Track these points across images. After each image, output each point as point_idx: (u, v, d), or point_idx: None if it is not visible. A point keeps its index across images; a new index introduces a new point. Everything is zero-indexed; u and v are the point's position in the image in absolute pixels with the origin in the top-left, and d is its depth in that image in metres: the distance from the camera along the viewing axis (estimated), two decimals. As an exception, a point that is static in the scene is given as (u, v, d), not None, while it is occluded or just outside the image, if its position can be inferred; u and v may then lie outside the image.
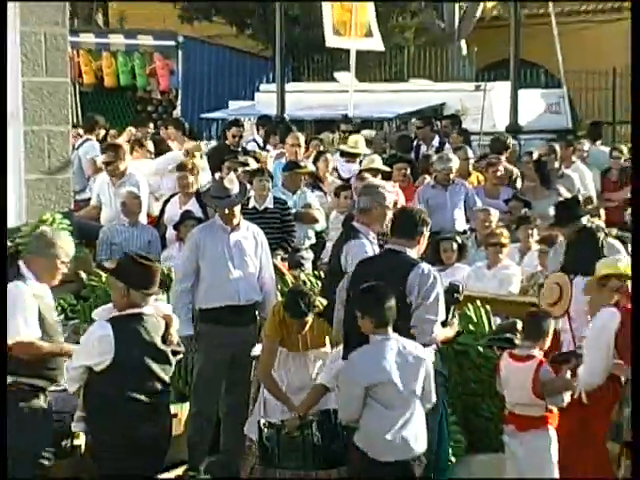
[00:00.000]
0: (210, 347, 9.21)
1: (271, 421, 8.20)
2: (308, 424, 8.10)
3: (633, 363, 6.07)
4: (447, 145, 17.22)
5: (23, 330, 7.77)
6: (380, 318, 7.29)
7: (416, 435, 7.30)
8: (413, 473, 7.30)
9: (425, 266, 7.84)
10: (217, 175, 13.22)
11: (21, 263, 8.03)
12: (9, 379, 7.75)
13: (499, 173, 14.44)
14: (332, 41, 18.36)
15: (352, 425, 7.40)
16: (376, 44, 18.48)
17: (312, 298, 8.39)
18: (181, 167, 13.08)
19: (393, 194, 9.59)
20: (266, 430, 8.11)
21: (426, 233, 8.14)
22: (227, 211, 9.29)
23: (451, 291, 8.20)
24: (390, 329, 7.33)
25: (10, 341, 7.70)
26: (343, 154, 15.97)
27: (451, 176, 13.70)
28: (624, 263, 7.91)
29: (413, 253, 7.98)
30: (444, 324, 7.94)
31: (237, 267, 9.24)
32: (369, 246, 8.71)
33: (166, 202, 13.03)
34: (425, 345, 7.60)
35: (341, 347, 7.83)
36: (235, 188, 9.38)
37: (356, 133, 17.70)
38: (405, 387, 7.25)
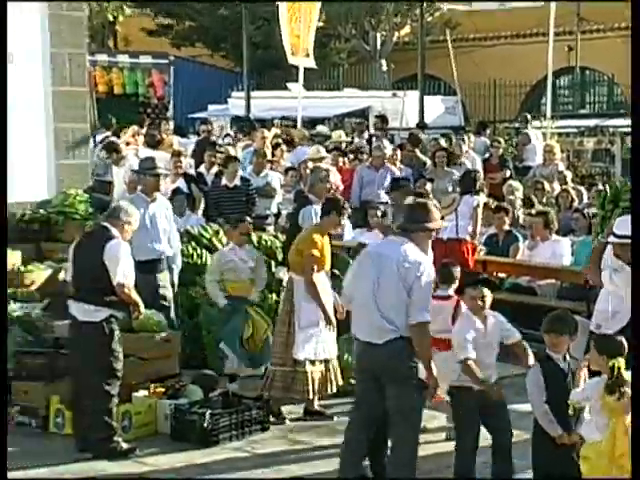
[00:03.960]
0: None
1: None
2: None
3: (633, 363, 5.49)
4: (374, 138, 17.09)
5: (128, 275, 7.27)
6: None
7: None
8: None
9: None
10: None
11: (110, 227, 7.38)
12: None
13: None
14: (290, 59, 18.75)
15: None
16: (311, 63, 18.76)
17: None
18: (175, 154, 12.94)
19: (331, 174, 9.51)
20: None
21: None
22: (154, 179, 8.93)
23: None
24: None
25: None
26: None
27: (385, 161, 13.63)
28: None
29: None
30: None
31: (155, 229, 8.95)
32: (314, 211, 8.84)
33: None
34: None
35: None
36: (161, 165, 9.05)
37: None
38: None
